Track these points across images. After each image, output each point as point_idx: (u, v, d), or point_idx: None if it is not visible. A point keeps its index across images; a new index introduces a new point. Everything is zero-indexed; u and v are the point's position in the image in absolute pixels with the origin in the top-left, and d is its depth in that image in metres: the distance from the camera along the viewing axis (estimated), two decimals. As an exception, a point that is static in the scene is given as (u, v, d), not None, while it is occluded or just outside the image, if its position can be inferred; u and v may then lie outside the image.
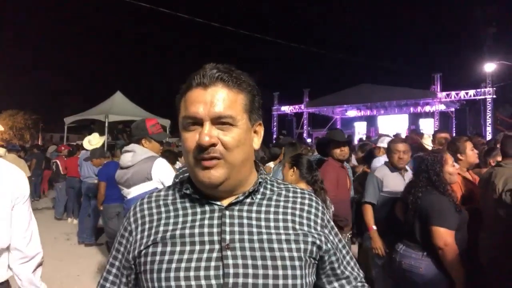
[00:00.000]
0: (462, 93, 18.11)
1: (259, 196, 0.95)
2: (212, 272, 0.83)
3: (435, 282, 2.53)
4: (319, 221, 0.97)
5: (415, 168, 2.90)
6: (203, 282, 0.82)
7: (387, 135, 6.18)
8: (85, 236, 6.57)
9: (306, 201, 0.99)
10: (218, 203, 0.91)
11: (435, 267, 2.54)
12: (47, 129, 44.77)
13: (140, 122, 3.15)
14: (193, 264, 0.84)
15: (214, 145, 0.84)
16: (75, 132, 21.59)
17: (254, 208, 0.93)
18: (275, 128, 23.09)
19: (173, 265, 0.84)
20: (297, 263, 0.87)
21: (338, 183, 3.52)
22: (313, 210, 0.98)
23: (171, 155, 5.04)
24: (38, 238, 1.86)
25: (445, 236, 2.46)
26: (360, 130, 22.05)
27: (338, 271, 1.00)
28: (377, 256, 3.51)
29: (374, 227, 3.55)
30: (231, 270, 0.83)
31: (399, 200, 3.00)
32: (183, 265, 0.84)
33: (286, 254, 0.87)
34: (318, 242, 0.93)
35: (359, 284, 1.04)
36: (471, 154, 3.39)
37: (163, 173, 2.80)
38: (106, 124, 11.95)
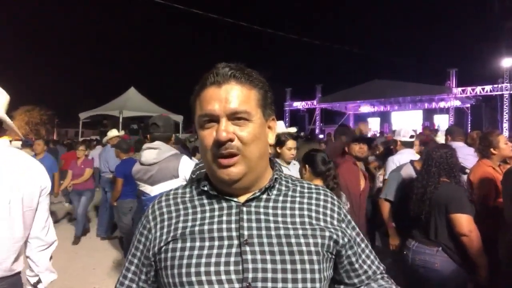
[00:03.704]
0: (478, 89, 17.80)
1: (275, 192, 0.96)
2: (232, 267, 0.85)
3: (451, 277, 2.53)
4: (335, 215, 0.98)
5: (425, 162, 2.88)
6: (223, 277, 0.84)
7: (415, 130, 6.05)
8: (101, 230, 6.69)
9: (322, 197, 1.00)
10: (235, 199, 0.93)
11: (451, 262, 2.54)
12: (62, 125, 45.47)
13: (167, 118, 3.18)
14: (213, 260, 0.86)
15: (231, 140, 0.86)
16: (90, 127, 21.89)
17: (271, 204, 0.94)
18: (287, 124, 23.03)
19: (194, 261, 0.86)
20: (315, 257, 0.89)
21: (348, 179, 3.45)
22: (329, 205, 0.99)
23: (185, 151, 5.07)
24: (53, 226, 1.99)
25: (468, 222, 2.48)
26: (373, 126, 21.86)
27: (356, 265, 1.01)
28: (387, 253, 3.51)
29: (393, 224, 3.54)
30: (250, 265, 0.85)
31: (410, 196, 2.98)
32: (203, 260, 0.86)
33: (304, 248, 0.89)
34: (335, 236, 0.94)
35: (378, 276, 1.05)
36: (505, 147, 3.36)
37: (190, 171, 2.81)
38: (121, 120, 12.07)
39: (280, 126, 4.06)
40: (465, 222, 2.48)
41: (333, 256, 0.96)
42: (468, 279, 2.54)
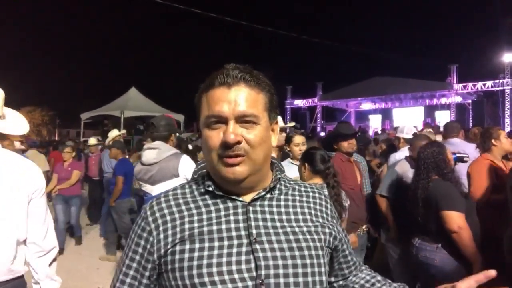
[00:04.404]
0: (479, 85, 17.78)
1: (277, 192, 0.99)
2: (243, 266, 0.86)
3: (451, 273, 2.54)
4: (329, 212, 1.04)
5: (416, 162, 2.90)
6: (236, 276, 0.85)
7: (415, 127, 6.06)
8: (104, 230, 6.69)
9: (317, 195, 1.05)
10: (241, 199, 0.94)
11: (450, 259, 2.56)
12: (63, 125, 45.59)
13: (167, 118, 3.22)
14: (224, 259, 0.86)
15: (239, 142, 0.87)
16: (91, 128, 21.92)
17: (274, 203, 0.97)
18: (288, 122, 22.98)
19: (205, 261, 0.86)
20: (320, 252, 0.93)
21: (344, 177, 3.38)
22: (323, 203, 1.05)
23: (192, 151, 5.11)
24: (53, 232, 1.89)
25: (457, 219, 2.49)
26: (375, 123, 21.84)
27: (349, 257, 1.09)
28: (392, 249, 3.51)
29: (393, 218, 3.55)
30: (262, 263, 0.86)
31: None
32: (214, 260, 0.86)
33: (311, 244, 0.92)
34: (333, 232, 1.00)
35: (363, 268, 1.15)
36: (505, 141, 3.39)
37: (189, 170, 2.83)
38: (122, 120, 12.08)
39: (279, 122, 4.03)
40: (453, 219, 2.49)
41: (331, 251, 1.01)
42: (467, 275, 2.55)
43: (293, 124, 4.05)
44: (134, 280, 0.95)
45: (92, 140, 8.29)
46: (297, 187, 1.04)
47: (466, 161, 3.26)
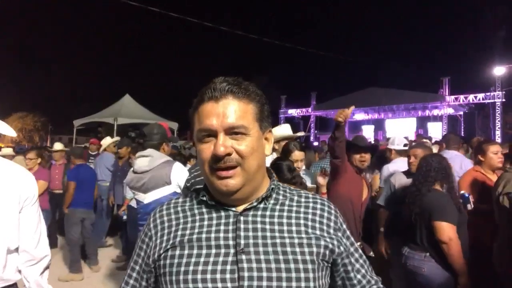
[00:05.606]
0: (471, 97, 18.03)
1: (272, 202, 0.98)
2: (227, 275, 0.87)
3: (438, 283, 2.57)
4: (332, 224, 0.99)
5: (420, 169, 2.91)
6: (219, 284, 0.86)
7: (406, 137, 6.10)
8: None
9: (318, 206, 1.01)
10: (233, 209, 0.95)
11: (438, 268, 2.59)
12: (56, 131, 45.24)
13: (158, 127, 3.21)
14: (209, 267, 0.88)
15: (229, 154, 0.89)
16: (84, 134, 21.79)
17: (268, 213, 0.96)
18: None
19: (191, 268, 0.88)
20: (310, 266, 0.90)
21: (347, 187, 3.17)
22: (325, 214, 1.00)
23: (182, 159, 5.06)
24: (46, 240, 1.86)
25: (448, 230, 2.52)
26: (367, 134, 21.97)
27: (351, 274, 1.02)
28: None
29: (381, 229, 3.55)
30: (246, 274, 0.86)
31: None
32: (200, 268, 0.88)
33: (299, 257, 0.90)
34: (330, 246, 0.95)
35: (374, 287, 1.05)
36: (492, 157, 3.43)
37: (181, 177, 2.83)
38: (115, 127, 12.03)
39: (286, 130, 3.89)
40: (444, 230, 2.52)
41: (329, 265, 0.97)
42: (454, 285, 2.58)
43: (302, 133, 3.96)
44: (136, 282, 1.02)
45: (58, 145, 6.86)
46: (296, 198, 1.01)
47: (467, 208, 3.05)
